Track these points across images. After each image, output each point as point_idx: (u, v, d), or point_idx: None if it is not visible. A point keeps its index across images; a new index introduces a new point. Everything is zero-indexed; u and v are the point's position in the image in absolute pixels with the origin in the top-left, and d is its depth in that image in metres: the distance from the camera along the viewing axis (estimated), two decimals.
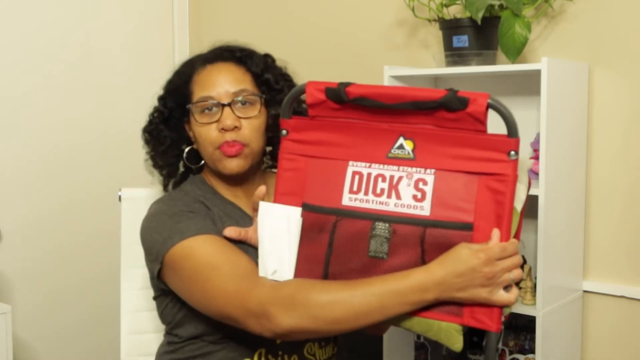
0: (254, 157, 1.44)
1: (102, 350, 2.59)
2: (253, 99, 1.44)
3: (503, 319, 1.16)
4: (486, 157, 1.14)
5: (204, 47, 1.56)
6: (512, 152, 1.13)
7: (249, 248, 1.35)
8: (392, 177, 1.18)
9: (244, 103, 1.42)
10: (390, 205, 1.18)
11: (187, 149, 1.51)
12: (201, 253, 1.29)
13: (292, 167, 1.27)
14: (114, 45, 2.67)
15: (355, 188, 1.20)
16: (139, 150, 1.57)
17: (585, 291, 1.97)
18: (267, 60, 1.52)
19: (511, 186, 1.13)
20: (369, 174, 1.20)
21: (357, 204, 1.20)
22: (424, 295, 1.15)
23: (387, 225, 1.17)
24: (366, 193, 1.19)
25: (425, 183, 1.17)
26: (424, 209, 1.16)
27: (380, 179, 1.19)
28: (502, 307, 1.15)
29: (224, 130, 1.39)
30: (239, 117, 1.40)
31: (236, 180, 1.47)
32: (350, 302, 1.16)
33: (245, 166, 1.42)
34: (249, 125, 1.42)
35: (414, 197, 1.17)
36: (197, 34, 2.86)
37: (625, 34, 1.87)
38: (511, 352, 1.95)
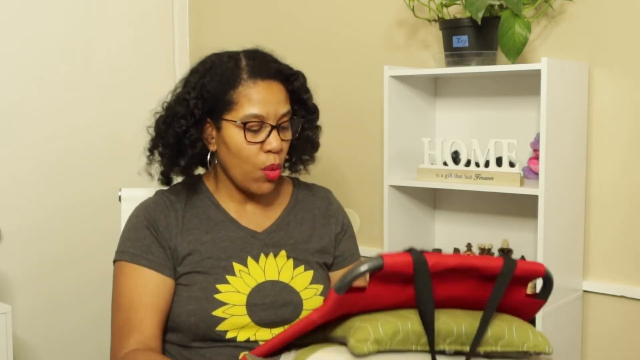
0: None
1: (102, 351, 2.58)
2: (293, 122, 1.47)
3: None
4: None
5: (204, 47, 1.55)
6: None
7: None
8: None
9: (284, 127, 1.43)
10: None
11: (209, 154, 1.48)
12: (120, 284, 1.42)
13: None
14: (114, 47, 2.67)
15: None
16: (139, 151, 1.56)
17: (585, 291, 1.97)
18: (304, 80, 1.52)
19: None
20: None
21: None
22: None
23: None
24: None
25: None
26: None
27: None
28: None
29: (270, 152, 1.40)
30: (282, 140, 1.42)
31: (251, 195, 1.49)
32: None
33: (274, 187, 1.47)
34: (286, 147, 1.45)
35: None
36: (197, 35, 2.86)
37: (625, 34, 1.87)
38: None
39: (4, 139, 2.39)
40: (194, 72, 1.47)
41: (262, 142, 1.40)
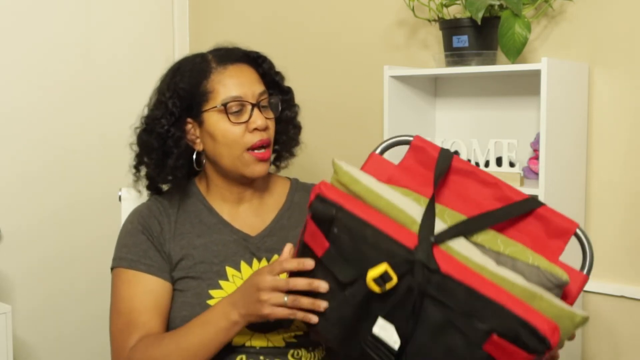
0: None
1: (102, 351, 2.58)
2: (272, 100, 1.46)
3: None
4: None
5: (204, 47, 1.56)
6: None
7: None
8: None
9: (264, 106, 1.43)
10: None
11: (195, 152, 1.48)
12: (118, 290, 1.42)
13: None
14: (114, 46, 2.67)
15: None
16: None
17: (585, 291, 1.97)
18: (273, 63, 1.54)
19: None
20: None
21: None
22: (228, 317, 1.24)
23: None
24: None
25: None
26: None
27: None
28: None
29: (256, 130, 1.39)
30: (266, 118, 1.42)
31: (243, 182, 1.47)
32: (178, 352, 1.28)
33: (268, 169, 1.45)
34: (272, 126, 1.44)
35: None
36: (197, 34, 2.86)
37: (625, 34, 1.87)
38: None
39: (4, 139, 2.39)
40: (163, 78, 1.50)
41: (247, 122, 1.40)
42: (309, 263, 1.14)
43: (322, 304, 1.14)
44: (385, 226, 1.08)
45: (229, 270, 1.42)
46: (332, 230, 1.10)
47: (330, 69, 2.45)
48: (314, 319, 1.15)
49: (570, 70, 1.86)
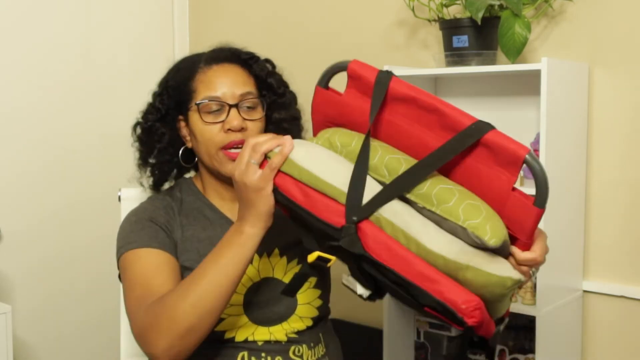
0: None
1: (102, 351, 2.59)
2: (257, 102, 1.44)
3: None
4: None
5: (204, 47, 1.56)
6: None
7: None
8: None
9: (248, 107, 1.43)
10: None
11: (182, 148, 1.50)
12: (131, 269, 1.35)
13: None
14: (114, 46, 2.67)
15: None
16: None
17: (585, 291, 1.97)
18: (269, 66, 1.53)
19: None
20: None
21: None
22: (241, 230, 1.22)
23: None
24: None
25: None
26: None
27: None
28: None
29: (230, 130, 1.40)
30: (245, 119, 1.41)
31: (230, 181, 1.47)
32: (205, 291, 1.21)
33: None
34: (254, 127, 1.43)
35: None
36: (197, 34, 2.86)
37: (625, 34, 1.87)
38: (511, 352, 1.96)
39: (4, 139, 2.39)
40: (161, 79, 1.54)
41: (223, 122, 1.40)
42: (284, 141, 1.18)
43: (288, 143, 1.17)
44: (314, 206, 1.12)
45: None
46: (291, 212, 1.19)
47: None
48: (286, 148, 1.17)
49: (570, 70, 1.86)
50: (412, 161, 1.12)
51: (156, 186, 1.55)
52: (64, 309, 2.55)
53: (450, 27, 1.95)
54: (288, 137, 1.19)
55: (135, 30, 2.74)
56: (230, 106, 1.40)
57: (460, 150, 1.07)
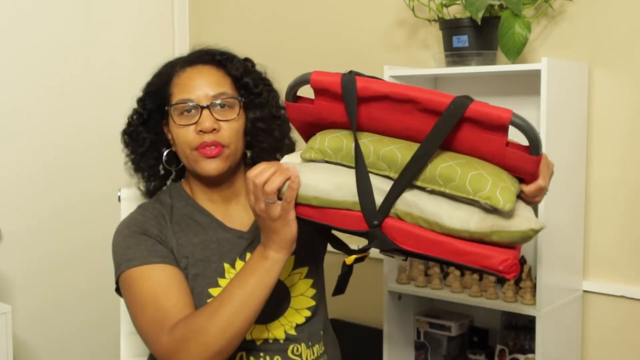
0: (233, 160, 1.44)
1: (102, 351, 2.59)
2: (232, 102, 1.44)
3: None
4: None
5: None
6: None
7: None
8: None
9: (222, 106, 1.43)
10: None
11: (166, 152, 1.51)
12: (138, 288, 1.36)
13: None
14: (114, 47, 2.68)
15: None
16: None
17: (585, 291, 1.97)
18: (247, 65, 1.52)
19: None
20: None
21: None
22: (266, 255, 1.27)
23: None
24: None
25: None
26: None
27: None
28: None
29: (202, 132, 1.40)
30: (218, 120, 1.41)
31: (214, 183, 1.47)
32: (233, 315, 1.26)
33: (224, 168, 1.43)
34: (228, 128, 1.43)
35: None
36: (197, 35, 2.86)
37: (625, 34, 1.87)
38: (511, 352, 1.95)
39: (4, 139, 2.39)
40: (145, 84, 1.57)
41: (196, 123, 1.41)
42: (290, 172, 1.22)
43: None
44: (334, 220, 1.21)
45: (227, 267, 1.42)
46: (314, 226, 1.27)
47: (331, 69, 2.43)
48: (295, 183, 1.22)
49: (570, 70, 1.86)
50: (404, 145, 1.17)
51: (152, 192, 1.55)
52: (64, 309, 2.55)
53: (450, 27, 1.95)
54: (290, 167, 1.22)
55: (135, 30, 2.74)
56: (202, 108, 1.41)
57: (449, 131, 1.12)
